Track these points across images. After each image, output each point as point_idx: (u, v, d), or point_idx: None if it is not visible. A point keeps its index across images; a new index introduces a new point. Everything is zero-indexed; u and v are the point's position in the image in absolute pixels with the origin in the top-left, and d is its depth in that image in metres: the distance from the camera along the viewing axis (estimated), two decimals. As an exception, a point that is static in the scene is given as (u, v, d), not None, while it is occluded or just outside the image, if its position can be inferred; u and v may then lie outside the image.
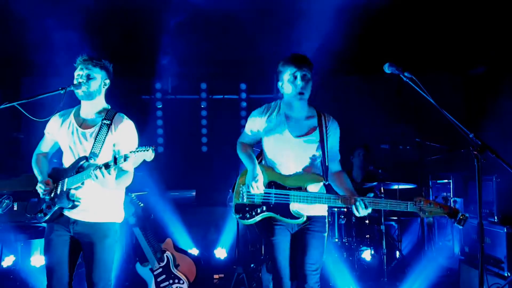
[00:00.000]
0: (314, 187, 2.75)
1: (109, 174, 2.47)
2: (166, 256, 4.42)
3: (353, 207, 2.60)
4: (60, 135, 2.79)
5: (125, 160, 2.41)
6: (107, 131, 2.70)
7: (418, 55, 5.33)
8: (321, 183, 2.75)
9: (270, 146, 2.81)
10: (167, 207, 5.51)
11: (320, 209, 2.78)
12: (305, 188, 2.69)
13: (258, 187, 2.67)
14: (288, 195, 2.68)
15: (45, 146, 2.92)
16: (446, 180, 5.26)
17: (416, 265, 4.75)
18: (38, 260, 4.72)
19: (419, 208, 2.55)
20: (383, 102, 5.91)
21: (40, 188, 2.70)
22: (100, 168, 2.46)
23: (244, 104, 6.41)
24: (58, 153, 2.91)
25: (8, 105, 2.34)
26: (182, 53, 5.42)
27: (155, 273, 4.35)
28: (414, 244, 5.58)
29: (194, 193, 6.23)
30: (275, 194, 2.70)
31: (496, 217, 4.12)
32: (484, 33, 5.14)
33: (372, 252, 4.94)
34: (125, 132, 2.76)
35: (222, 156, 6.03)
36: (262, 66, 5.88)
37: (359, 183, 5.11)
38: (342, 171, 2.86)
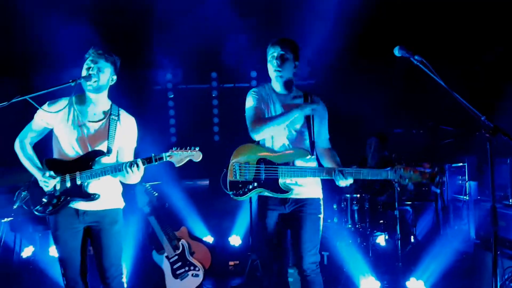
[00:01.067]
0: (302, 162, 2.87)
1: (138, 170, 2.64)
2: (181, 244, 4.51)
3: (336, 179, 2.73)
4: (58, 123, 2.74)
5: (169, 158, 2.63)
6: (116, 126, 2.76)
7: (431, 40, 5.25)
8: (308, 157, 2.87)
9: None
10: (181, 196, 5.59)
11: (314, 191, 2.91)
12: (293, 163, 2.85)
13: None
14: (277, 170, 2.81)
15: (33, 132, 2.78)
16: (461, 164, 5.22)
17: (431, 249, 4.75)
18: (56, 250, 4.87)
19: (399, 175, 2.64)
20: (394, 86, 5.85)
21: (45, 183, 2.65)
22: (137, 164, 2.61)
23: (255, 92, 6.42)
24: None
25: (19, 98, 2.38)
26: (192, 43, 5.42)
27: (171, 260, 4.44)
28: (429, 228, 5.57)
29: (207, 182, 6.32)
30: (264, 169, 2.83)
31: (511, 200, 4.09)
32: (497, 17, 5.03)
33: (387, 237, 4.95)
34: (130, 128, 2.86)
35: (234, 144, 6.04)
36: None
37: (374, 169, 5.11)
38: (331, 149, 2.99)
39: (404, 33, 5.02)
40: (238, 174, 2.88)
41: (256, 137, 2.90)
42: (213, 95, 6.40)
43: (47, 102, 2.74)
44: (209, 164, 6.44)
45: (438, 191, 2.57)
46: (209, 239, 5.48)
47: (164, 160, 2.66)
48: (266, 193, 2.86)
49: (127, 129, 2.84)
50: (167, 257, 4.45)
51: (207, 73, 6.34)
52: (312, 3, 5.03)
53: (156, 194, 4.63)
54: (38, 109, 2.58)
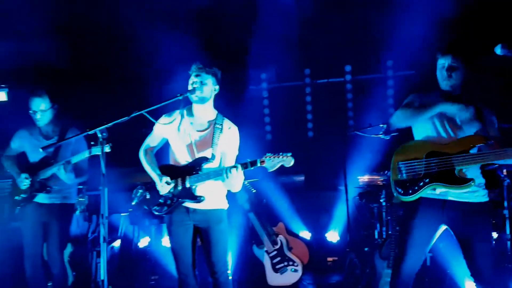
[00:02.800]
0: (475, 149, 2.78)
1: (241, 174, 2.85)
2: (280, 239, 4.70)
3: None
4: (171, 133, 3.11)
5: (261, 163, 2.81)
6: (219, 135, 3.02)
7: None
8: (482, 144, 2.77)
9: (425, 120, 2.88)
10: (278, 192, 5.75)
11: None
12: (468, 150, 2.72)
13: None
14: (451, 159, 2.71)
15: (153, 141, 3.19)
16: None
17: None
18: (168, 241, 5.37)
19: None
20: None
21: (162, 187, 3.02)
22: (235, 167, 2.84)
23: (349, 86, 6.34)
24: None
25: (137, 113, 2.74)
26: (285, 41, 5.55)
27: (271, 255, 4.66)
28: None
29: (303, 178, 6.43)
30: (435, 162, 2.73)
31: None
32: None
33: (495, 236, 4.61)
34: (232, 137, 3.10)
35: (328, 140, 6.08)
36: (367, 46, 5.77)
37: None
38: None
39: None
40: (405, 172, 2.82)
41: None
42: (307, 92, 6.46)
43: (163, 115, 3.12)
44: (304, 160, 6.59)
45: None
46: (306, 234, 5.59)
47: (258, 165, 2.84)
48: (441, 188, 2.74)
49: (229, 137, 3.09)
50: (266, 251, 4.67)
51: (300, 70, 6.41)
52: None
53: (254, 191, 4.88)
54: (151, 120, 2.92)
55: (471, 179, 2.69)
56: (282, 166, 2.83)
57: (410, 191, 2.75)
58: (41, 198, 3.71)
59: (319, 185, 6.16)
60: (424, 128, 2.92)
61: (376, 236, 5.02)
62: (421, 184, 2.73)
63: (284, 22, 5.38)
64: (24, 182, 3.67)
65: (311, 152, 6.21)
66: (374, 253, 4.25)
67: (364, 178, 5.65)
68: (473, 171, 2.78)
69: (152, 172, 3.10)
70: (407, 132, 3.05)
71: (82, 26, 5.34)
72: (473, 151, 2.77)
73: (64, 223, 3.75)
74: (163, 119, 3.10)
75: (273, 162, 2.80)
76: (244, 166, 2.86)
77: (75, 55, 5.60)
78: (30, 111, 3.71)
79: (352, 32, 5.52)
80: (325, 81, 6.39)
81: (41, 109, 3.68)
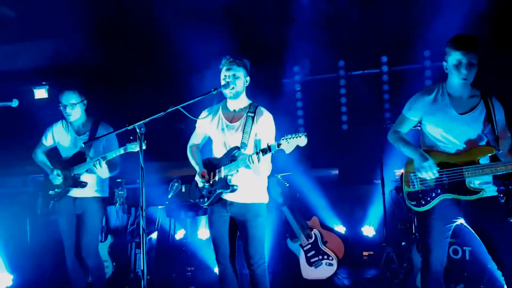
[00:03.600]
0: (485, 160, 2.81)
1: (263, 159, 2.87)
2: (314, 233, 4.73)
3: None
4: (210, 129, 3.23)
5: (278, 146, 2.81)
6: (252, 123, 3.07)
7: None
8: (491, 154, 2.79)
9: (433, 127, 2.91)
10: (311, 186, 5.77)
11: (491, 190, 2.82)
12: (478, 161, 2.76)
13: (431, 170, 2.78)
14: (462, 170, 2.75)
15: (196, 138, 3.36)
16: None
17: None
18: (203, 233, 5.52)
19: None
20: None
21: (199, 181, 3.18)
22: (257, 153, 2.87)
23: (385, 77, 6.25)
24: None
25: (173, 108, 2.83)
26: (318, 34, 5.53)
27: (305, 248, 4.69)
28: None
29: (337, 171, 6.39)
30: (446, 174, 2.79)
31: None
32: None
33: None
34: (266, 124, 3.14)
35: (363, 133, 6.02)
36: (404, 35, 5.67)
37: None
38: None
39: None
40: (418, 184, 2.89)
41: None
42: (341, 84, 6.42)
43: (204, 111, 3.24)
44: (338, 153, 6.55)
45: None
46: (341, 229, 5.59)
47: (276, 149, 2.82)
48: (450, 197, 2.81)
49: (263, 124, 3.13)
50: (301, 245, 4.71)
51: (334, 62, 6.37)
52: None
53: (288, 184, 4.92)
54: (187, 115, 3.00)
55: (482, 189, 2.72)
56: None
57: (423, 202, 2.83)
58: (74, 192, 3.83)
59: (354, 178, 6.12)
60: (430, 135, 2.95)
61: (414, 230, 4.96)
62: (433, 195, 2.81)
63: (317, 13, 5.35)
64: (57, 178, 3.83)
65: (345, 146, 6.17)
66: (412, 247, 4.22)
67: (401, 172, 5.57)
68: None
69: (196, 167, 3.25)
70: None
71: (117, 24, 5.51)
72: (484, 160, 2.80)
73: (96, 217, 3.85)
74: (202, 114, 3.24)
75: (289, 144, 2.79)
76: (263, 151, 2.88)
77: (110, 52, 5.80)
78: (60, 106, 3.81)
79: (388, 21, 5.43)
80: (360, 73, 6.32)
81: (71, 103, 3.78)
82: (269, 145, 2.87)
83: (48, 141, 3.99)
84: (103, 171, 3.67)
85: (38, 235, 5.37)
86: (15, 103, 3.29)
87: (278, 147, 2.82)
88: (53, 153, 4.01)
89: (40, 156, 4.00)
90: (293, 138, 2.77)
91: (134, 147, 3.52)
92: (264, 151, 2.87)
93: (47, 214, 3.97)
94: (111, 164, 3.79)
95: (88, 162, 3.71)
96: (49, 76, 6.35)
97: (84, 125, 3.90)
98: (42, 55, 6.02)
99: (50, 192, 3.87)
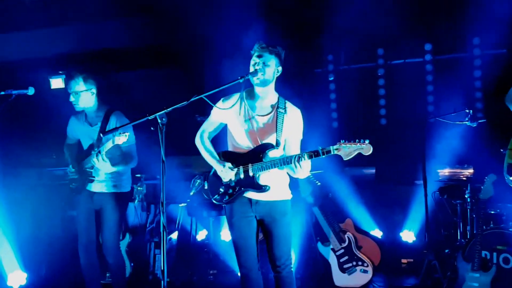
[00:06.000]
0: None
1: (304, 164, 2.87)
2: (347, 237, 4.67)
3: None
4: (230, 117, 3.15)
5: (336, 151, 2.80)
6: (283, 119, 3.04)
7: None
8: None
9: None
10: (345, 185, 5.71)
11: None
12: None
13: None
14: None
15: (210, 126, 3.25)
16: None
17: None
18: (227, 234, 5.53)
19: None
20: None
21: (226, 174, 3.07)
22: (310, 156, 2.85)
23: (429, 67, 6.11)
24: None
25: (196, 97, 2.79)
26: (355, 18, 5.44)
27: (337, 253, 4.64)
28: None
29: (373, 170, 6.31)
30: None
31: None
32: None
33: None
34: (296, 121, 3.11)
35: (403, 128, 5.92)
36: (451, 21, 5.53)
37: None
38: None
39: None
40: None
41: None
42: (379, 74, 6.31)
43: (222, 99, 3.17)
44: (375, 150, 6.41)
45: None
46: (377, 233, 5.52)
47: (332, 153, 2.83)
48: None
49: (293, 122, 3.11)
50: (333, 249, 4.67)
51: (373, 50, 6.27)
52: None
53: (319, 183, 4.87)
54: (211, 105, 2.99)
55: None
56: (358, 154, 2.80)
57: None
58: (92, 186, 3.91)
59: (392, 178, 6.04)
60: None
61: (459, 237, 4.86)
62: None
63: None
64: (71, 172, 3.96)
65: (384, 142, 6.08)
66: (456, 255, 4.13)
67: (445, 172, 5.46)
68: None
69: (211, 159, 3.16)
70: (498, 118, 2.90)
71: (139, 5, 5.57)
72: None
73: (115, 212, 3.90)
74: (221, 103, 3.15)
75: (349, 150, 2.76)
76: (315, 154, 2.85)
77: (129, 37, 5.88)
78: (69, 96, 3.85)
79: (434, 4, 5.30)
80: (401, 62, 6.22)
81: (75, 90, 3.81)
82: (322, 149, 2.83)
83: (70, 133, 4.11)
84: (104, 165, 3.66)
85: (55, 231, 5.52)
86: (31, 91, 3.37)
87: (336, 151, 2.80)
88: (76, 146, 4.12)
89: (67, 149, 4.12)
90: (354, 144, 2.76)
91: (119, 139, 3.46)
92: (317, 154, 2.83)
93: (70, 208, 4.07)
94: (126, 156, 3.83)
95: (92, 155, 3.75)
96: (66, 65, 6.49)
97: (97, 116, 3.94)
98: (59, 42, 6.16)
99: (71, 186, 4.00)
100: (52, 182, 5.72)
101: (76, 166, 3.95)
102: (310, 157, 2.87)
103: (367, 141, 2.79)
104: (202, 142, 3.24)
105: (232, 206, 3.14)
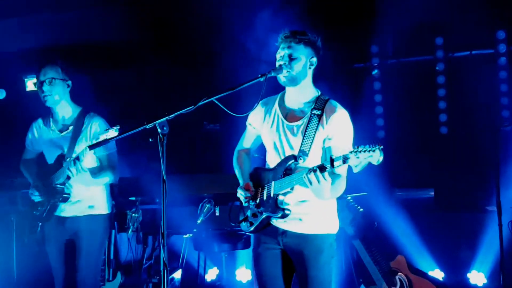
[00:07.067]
0: None
1: (325, 179, 2.75)
2: (399, 278, 4.62)
3: None
4: (263, 128, 3.18)
5: (344, 162, 2.68)
6: (318, 124, 3.00)
7: None
8: None
9: None
10: (396, 212, 5.70)
11: None
12: None
13: None
14: None
15: (247, 141, 3.33)
16: None
17: None
18: (244, 274, 5.52)
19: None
20: None
21: (240, 195, 3.12)
22: (314, 171, 2.76)
23: (503, 60, 6.10)
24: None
25: (206, 101, 2.77)
26: (406, 1, 5.46)
27: (386, 300, 4.59)
28: None
29: (432, 193, 6.29)
30: None
31: None
32: None
33: None
34: (338, 125, 3.02)
35: (470, 138, 5.89)
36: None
37: None
38: None
39: None
40: None
41: None
42: (439, 70, 6.29)
43: (260, 102, 3.14)
44: (434, 167, 6.41)
45: None
46: (438, 274, 5.50)
47: (341, 165, 2.68)
48: None
49: (334, 125, 3.00)
50: (380, 294, 4.62)
51: (429, 40, 6.27)
52: None
53: (362, 209, 4.83)
54: (225, 111, 2.97)
55: None
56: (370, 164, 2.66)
57: None
58: (62, 210, 3.88)
59: (456, 203, 6.04)
60: None
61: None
62: None
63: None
64: (34, 194, 3.90)
65: (445, 156, 6.05)
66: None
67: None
68: None
69: (238, 178, 3.25)
70: None
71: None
72: None
73: (93, 241, 3.89)
74: (259, 107, 3.16)
75: (358, 159, 2.61)
76: (321, 168, 2.75)
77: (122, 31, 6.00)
78: (36, 86, 3.90)
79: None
80: (467, 54, 6.23)
81: (52, 76, 3.80)
82: (332, 158, 2.73)
83: (29, 143, 4.09)
84: (83, 177, 3.68)
85: (27, 269, 5.55)
86: (2, 94, 3.43)
87: (344, 162, 2.68)
88: (35, 162, 4.10)
89: (24, 166, 4.13)
90: (364, 152, 2.60)
91: (107, 135, 3.34)
92: (323, 169, 2.76)
93: (36, 242, 4.02)
94: (105, 167, 3.83)
95: (64, 166, 3.72)
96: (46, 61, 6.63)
97: (68, 118, 3.94)
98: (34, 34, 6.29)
99: (35, 212, 3.94)
100: (25, 207, 5.77)
101: (41, 185, 3.92)
102: (321, 169, 2.75)
103: (377, 147, 2.59)
104: (235, 159, 3.33)
105: (258, 235, 3.15)
